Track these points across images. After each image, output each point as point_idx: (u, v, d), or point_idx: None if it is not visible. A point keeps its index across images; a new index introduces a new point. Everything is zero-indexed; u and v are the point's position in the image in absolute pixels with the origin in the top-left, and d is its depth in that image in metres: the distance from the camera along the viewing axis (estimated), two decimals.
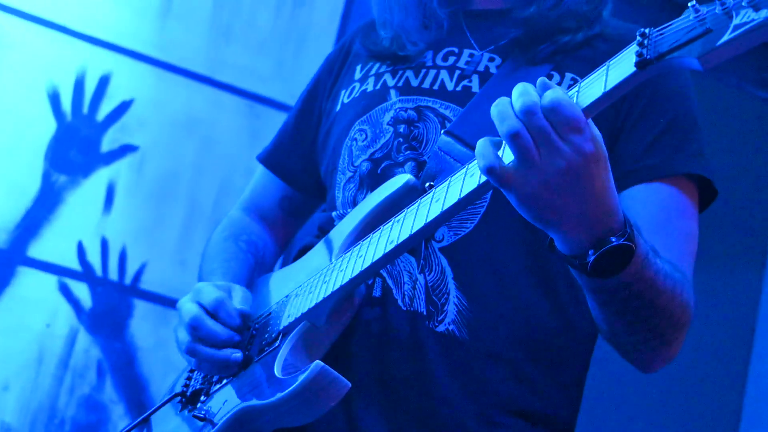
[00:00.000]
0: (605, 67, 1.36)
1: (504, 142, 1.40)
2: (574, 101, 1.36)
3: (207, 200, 3.53)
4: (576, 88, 1.38)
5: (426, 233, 1.57)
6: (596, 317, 1.68)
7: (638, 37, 1.31)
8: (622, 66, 1.33)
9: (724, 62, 1.24)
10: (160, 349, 3.40)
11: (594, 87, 1.36)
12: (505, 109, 1.36)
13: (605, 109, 1.80)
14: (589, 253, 1.44)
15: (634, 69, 1.30)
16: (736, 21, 1.20)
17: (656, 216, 1.76)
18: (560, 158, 1.35)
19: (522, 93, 1.35)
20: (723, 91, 4.55)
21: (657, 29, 1.30)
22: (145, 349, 3.42)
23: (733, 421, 4.35)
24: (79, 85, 3.46)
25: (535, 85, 1.38)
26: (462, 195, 1.49)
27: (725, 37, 1.21)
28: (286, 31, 3.72)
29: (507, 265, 1.79)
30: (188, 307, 1.80)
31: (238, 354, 1.75)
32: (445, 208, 1.50)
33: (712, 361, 4.38)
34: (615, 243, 1.43)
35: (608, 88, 1.34)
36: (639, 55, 1.30)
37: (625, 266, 1.47)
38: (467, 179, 1.49)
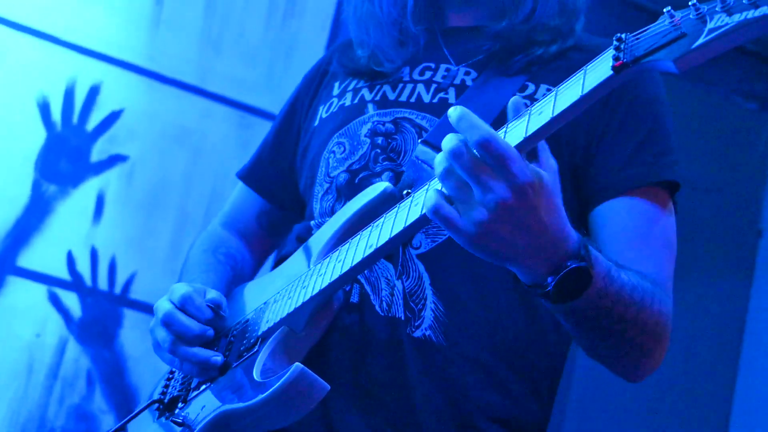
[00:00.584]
0: (583, 71, 1.38)
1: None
2: (551, 106, 1.38)
3: (197, 210, 3.54)
4: (554, 92, 1.40)
5: (404, 237, 1.58)
6: (574, 338, 1.71)
7: (615, 42, 1.33)
8: (599, 70, 1.35)
9: (698, 65, 1.27)
10: (150, 359, 3.35)
11: (572, 90, 1.37)
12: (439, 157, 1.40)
13: (583, 122, 1.83)
14: (548, 280, 1.46)
15: (610, 72, 1.32)
16: (710, 25, 1.23)
17: (637, 226, 1.80)
18: (494, 193, 1.36)
19: (450, 138, 1.37)
20: (712, 103, 4.58)
21: (633, 34, 1.33)
22: (134, 358, 3.42)
23: (722, 429, 4.36)
24: (69, 95, 3.46)
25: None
26: None
27: (700, 41, 1.23)
28: (277, 42, 3.73)
29: (483, 272, 1.80)
30: (162, 305, 1.83)
31: (218, 357, 1.77)
32: (424, 211, 1.51)
33: (701, 369, 4.40)
34: (571, 267, 1.45)
35: (585, 91, 1.35)
36: (615, 59, 1.32)
37: (586, 287, 1.48)
38: None
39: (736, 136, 4.61)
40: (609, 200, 1.82)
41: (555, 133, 1.79)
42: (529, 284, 1.49)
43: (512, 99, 1.44)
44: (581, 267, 1.46)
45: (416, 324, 1.78)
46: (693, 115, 4.36)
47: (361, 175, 1.91)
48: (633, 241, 1.78)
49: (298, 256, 1.88)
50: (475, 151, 1.36)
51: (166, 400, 1.88)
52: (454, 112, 1.38)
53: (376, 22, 2.05)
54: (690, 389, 4.36)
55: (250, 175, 2.28)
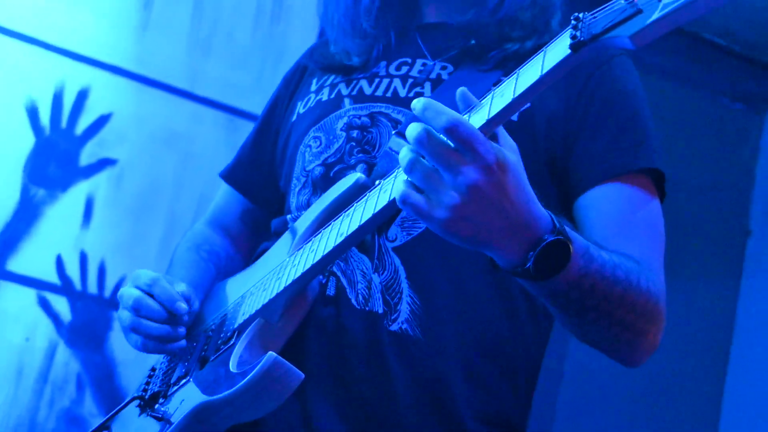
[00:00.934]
0: (543, 52, 1.39)
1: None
2: (513, 87, 1.39)
3: (187, 214, 3.54)
4: (515, 74, 1.41)
5: (374, 224, 1.60)
6: (564, 324, 1.70)
7: (572, 21, 1.34)
8: (557, 49, 1.36)
9: (653, 40, 1.28)
10: (140, 363, 3.36)
11: (532, 71, 1.39)
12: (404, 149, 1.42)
13: (560, 114, 1.83)
14: (528, 256, 1.46)
15: (568, 51, 1.33)
16: (665, 0, 1.24)
17: (621, 211, 1.81)
18: (465, 176, 1.38)
19: (413, 127, 1.39)
20: (700, 104, 4.60)
21: (591, 13, 1.34)
22: (124, 362, 3.42)
23: (712, 428, 4.38)
24: (57, 99, 3.46)
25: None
26: None
27: (654, 16, 1.25)
28: (265, 45, 3.74)
29: (460, 264, 1.81)
30: (129, 291, 1.88)
31: (182, 328, 1.82)
32: (391, 197, 1.52)
33: (690, 369, 4.41)
34: (549, 240, 1.45)
35: (545, 71, 1.36)
36: (573, 37, 1.33)
37: (566, 262, 1.49)
38: None
39: (724, 137, 4.63)
40: (591, 189, 1.83)
41: (531, 126, 1.81)
42: (508, 266, 1.49)
43: (459, 90, 1.45)
44: (558, 240, 1.46)
45: (393, 318, 1.79)
46: (680, 116, 4.38)
47: (336, 168, 1.92)
48: (617, 226, 1.79)
49: (275, 250, 1.90)
50: (441, 136, 1.37)
51: (146, 396, 1.90)
52: (418, 104, 1.40)
53: (343, 19, 2.07)
54: (679, 389, 4.38)
55: (232, 175, 2.31)
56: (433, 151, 1.37)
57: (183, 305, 1.85)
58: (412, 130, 1.38)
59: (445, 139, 1.37)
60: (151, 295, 1.86)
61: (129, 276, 1.93)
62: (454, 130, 1.36)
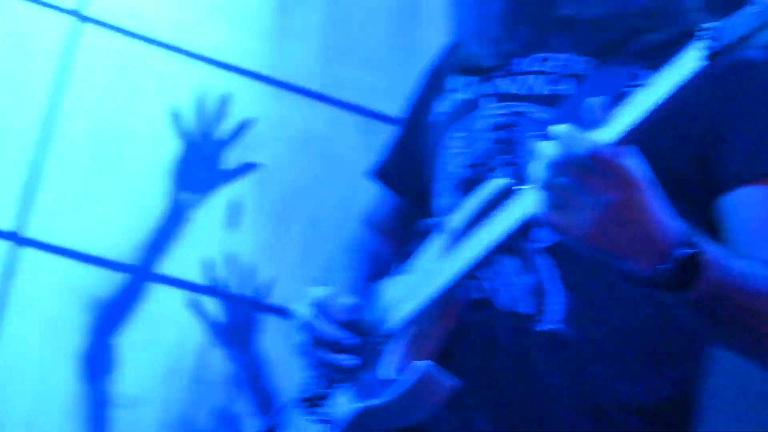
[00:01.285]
0: (677, 60, 1.39)
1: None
2: (648, 97, 1.40)
3: (329, 216, 3.60)
4: (650, 83, 1.42)
5: (519, 235, 1.61)
6: (702, 330, 1.71)
7: (701, 32, 1.34)
8: (690, 59, 1.36)
9: None
10: (290, 362, 3.44)
11: (665, 82, 1.40)
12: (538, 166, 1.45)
13: (703, 106, 1.79)
14: (659, 268, 1.47)
15: (702, 62, 1.34)
16: None
17: (765, 217, 1.76)
18: (606, 195, 1.40)
19: (551, 148, 1.42)
20: None
21: (719, 23, 1.33)
22: (274, 361, 3.49)
23: None
24: (200, 106, 3.56)
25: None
26: None
27: None
28: (399, 46, 3.77)
29: None
30: (300, 310, 1.91)
31: (350, 361, 1.83)
32: (531, 216, 1.55)
33: None
34: (680, 255, 1.46)
35: (678, 82, 1.38)
36: (706, 48, 1.33)
37: (696, 275, 1.49)
38: None
39: None
40: (735, 189, 1.78)
41: (672, 121, 1.79)
42: (639, 278, 1.50)
43: (586, 102, 1.47)
44: (690, 255, 1.47)
45: (543, 318, 1.79)
46: None
47: (478, 171, 1.92)
48: (760, 232, 1.75)
49: (424, 254, 1.90)
50: (578, 160, 1.40)
51: (309, 397, 1.94)
52: (557, 131, 1.42)
53: (472, 24, 2.08)
54: None
55: (380, 172, 2.33)
56: (571, 173, 1.40)
57: (350, 338, 1.87)
58: (551, 152, 1.41)
59: (583, 162, 1.40)
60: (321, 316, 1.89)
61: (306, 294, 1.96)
62: (595, 157, 1.38)
